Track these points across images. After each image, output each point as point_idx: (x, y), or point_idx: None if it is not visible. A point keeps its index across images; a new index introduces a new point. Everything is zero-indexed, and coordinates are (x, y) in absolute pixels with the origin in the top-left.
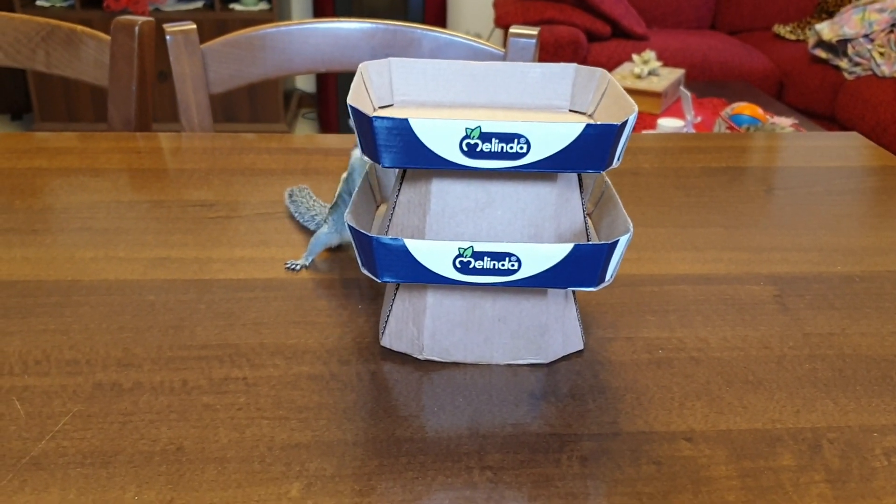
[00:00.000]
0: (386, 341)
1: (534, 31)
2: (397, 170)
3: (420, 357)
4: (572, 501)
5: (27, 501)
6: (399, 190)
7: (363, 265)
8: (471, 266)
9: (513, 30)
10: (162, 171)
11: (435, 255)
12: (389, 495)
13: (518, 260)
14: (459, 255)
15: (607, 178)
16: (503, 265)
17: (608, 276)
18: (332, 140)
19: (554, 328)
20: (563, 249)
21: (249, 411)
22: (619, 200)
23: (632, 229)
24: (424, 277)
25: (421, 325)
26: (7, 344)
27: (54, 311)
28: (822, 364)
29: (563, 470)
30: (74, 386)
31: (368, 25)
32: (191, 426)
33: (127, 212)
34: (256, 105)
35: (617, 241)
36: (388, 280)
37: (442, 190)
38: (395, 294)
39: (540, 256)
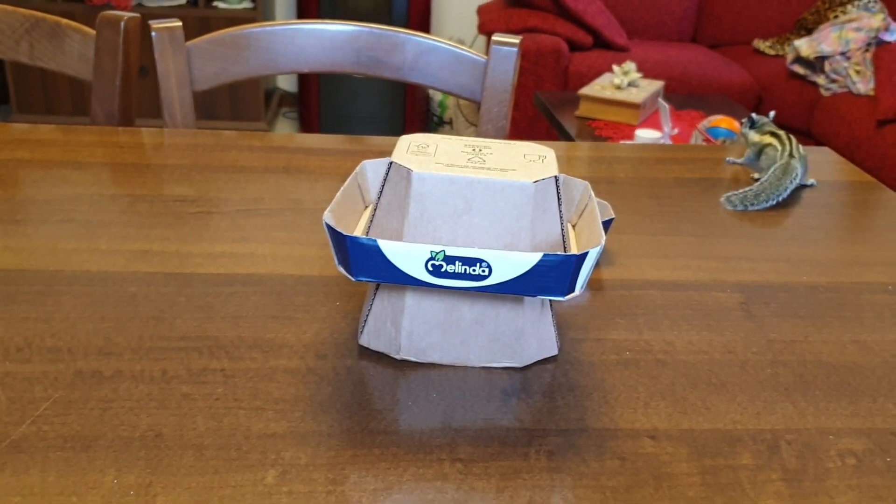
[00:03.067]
0: (364, 340)
1: (515, 40)
2: (382, 172)
3: (397, 357)
4: (539, 493)
5: (8, 483)
6: (381, 192)
7: (339, 263)
8: (442, 269)
9: (495, 37)
10: (144, 166)
11: (408, 256)
12: (362, 484)
13: (489, 266)
14: (431, 259)
15: (592, 192)
16: (474, 270)
17: (578, 287)
18: (314, 140)
19: (529, 333)
20: (533, 258)
21: (227, 401)
22: (599, 214)
23: (603, 243)
24: (397, 278)
25: (399, 326)
26: None
27: (36, 299)
28: (783, 369)
29: (530, 463)
30: (56, 373)
31: (353, 28)
32: (170, 414)
33: (109, 205)
34: (237, 103)
35: (586, 254)
36: (361, 279)
37: (421, 195)
38: (374, 294)
39: (510, 264)
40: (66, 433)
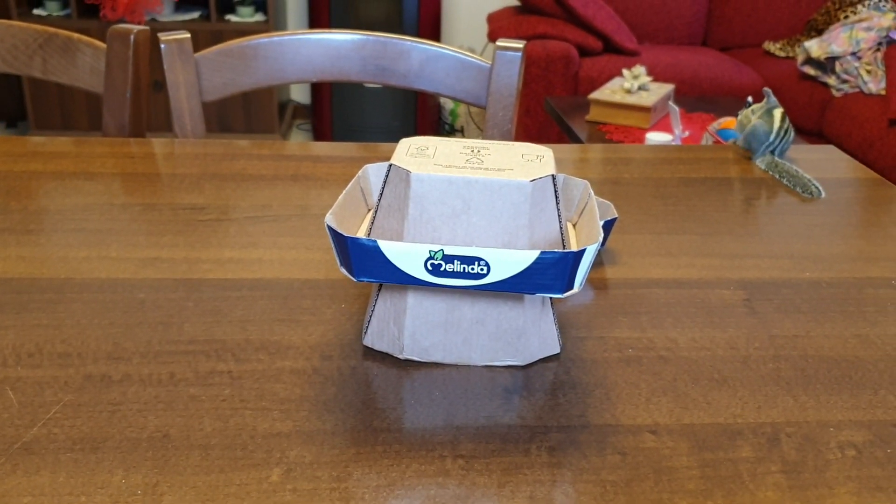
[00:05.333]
0: (368, 341)
1: (519, 45)
2: (383, 176)
3: (400, 357)
4: (539, 488)
5: (19, 483)
6: (381, 194)
7: (341, 265)
8: (441, 268)
9: (499, 42)
10: (154, 176)
11: (407, 256)
12: (365, 481)
13: (487, 264)
14: (430, 258)
15: (591, 191)
16: (472, 269)
17: (576, 284)
18: (322, 147)
19: (531, 331)
20: (530, 256)
21: (233, 402)
22: (598, 212)
23: (601, 239)
24: (397, 278)
25: (401, 326)
26: (1, 337)
27: (47, 307)
28: (785, 364)
29: (531, 459)
30: (66, 377)
31: (359, 37)
32: (177, 415)
33: (119, 214)
34: (251, 115)
35: (584, 250)
36: (363, 280)
37: (420, 196)
38: (377, 295)
39: (508, 262)
40: (76, 435)
